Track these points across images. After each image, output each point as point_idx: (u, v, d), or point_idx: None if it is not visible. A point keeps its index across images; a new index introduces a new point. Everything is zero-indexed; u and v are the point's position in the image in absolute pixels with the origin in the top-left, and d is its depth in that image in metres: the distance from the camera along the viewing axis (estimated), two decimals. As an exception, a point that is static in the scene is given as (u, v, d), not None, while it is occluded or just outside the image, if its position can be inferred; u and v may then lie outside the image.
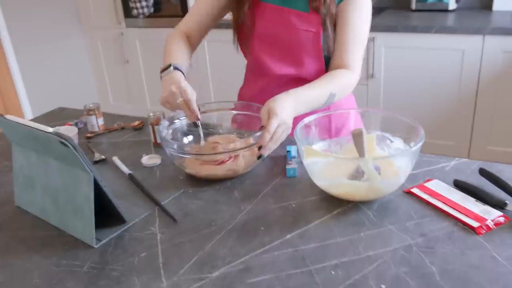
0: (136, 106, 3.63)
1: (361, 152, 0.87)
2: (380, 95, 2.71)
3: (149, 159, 1.21)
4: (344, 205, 0.95)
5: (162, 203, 1.01)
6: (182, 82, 1.11)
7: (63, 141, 0.82)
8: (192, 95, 1.10)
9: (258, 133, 1.03)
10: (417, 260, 0.79)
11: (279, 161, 1.16)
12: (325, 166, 0.96)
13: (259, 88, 1.32)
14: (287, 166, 1.08)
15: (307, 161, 0.95)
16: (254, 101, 1.26)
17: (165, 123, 1.17)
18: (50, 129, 0.85)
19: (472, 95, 2.48)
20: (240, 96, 1.43)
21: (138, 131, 1.42)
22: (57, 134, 0.83)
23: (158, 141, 1.28)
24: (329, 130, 1.30)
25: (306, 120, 1.03)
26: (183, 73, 1.16)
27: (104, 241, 0.90)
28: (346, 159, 0.92)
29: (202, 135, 1.15)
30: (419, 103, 2.63)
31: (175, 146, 1.06)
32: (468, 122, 2.55)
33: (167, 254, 0.85)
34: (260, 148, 1.01)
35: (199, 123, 1.12)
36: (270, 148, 1.02)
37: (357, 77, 1.23)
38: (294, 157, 1.11)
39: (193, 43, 1.32)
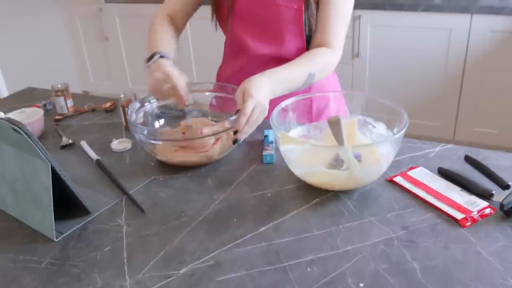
0: (116, 84, 3.52)
1: (339, 140, 0.81)
2: (365, 75, 2.65)
3: (119, 144, 1.14)
4: (323, 195, 0.90)
5: (130, 191, 0.94)
6: (167, 67, 1.03)
7: (15, 128, 0.74)
8: (179, 80, 1.02)
9: (234, 117, 0.96)
10: (398, 255, 0.74)
11: (256, 146, 1.09)
12: (303, 154, 0.89)
13: (238, 67, 1.24)
14: (264, 152, 1.01)
15: (283, 148, 0.88)
16: (232, 81, 1.19)
17: (135, 105, 1.09)
18: (2, 115, 0.77)
19: (458, 75, 2.43)
20: (219, 76, 1.35)
21: (109, 113, 1.34)
22: (8, 120, 0.75)
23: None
24: (309, 113, 1.24)
25: (283, 103, 0.97)
26: (170, 60, 1.09)
27: (65, 234, 0.83)
28: (324, 147, 0.86)
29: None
30: (405, 83, 2.58)
31: (145, 132, 0.99)
32: (454, 103, 2.50)
33: (132, 248, 0.79)
34: (235, 132, 0.94)
35: (188, 110, 1.05)
36: (246, 132, 0.95)
37: (338, 56, 1.16)
38: (271, 143, 1.05)
39: (178, 25, 1.23)
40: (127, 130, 1.22)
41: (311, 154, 0.89)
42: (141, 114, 1.10)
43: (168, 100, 1.12)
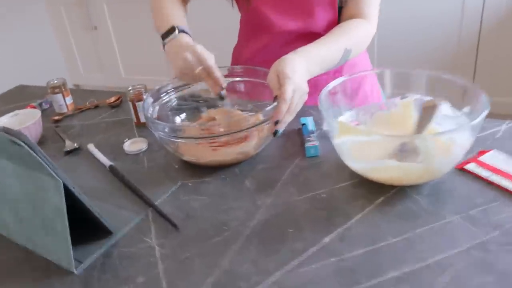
0: (109, 76, 3.32)
1: (421, 127, 0.66)
2: (373, 48, 2.48)
3: (133, 144, 0.97)
4: (386, 192, 0.75)
5: (156, 202, 0.78)
6: (197, 47, 0.87)
7: (15, 140, 0.58)
8: (211, 60, 0.88)
9: (270, 107, 0.80)
10: (503, 264, 0.59)
11: (293, 137, 0.94)
12: (359, 144, 0.74)
13: (260, 47, 1.08)
14: (307, 144, 0.86)
15: (339, 140, 0.73)
16: (253, 64, 1.03)
17: (149, 99, 0.92)
18: (-5, 123, 0.60)
19: (473, 43, 2.28)
20: (235, 58, 1.19)
21: (115, 109, 1.17)
22: (5, 130, 0.58)
23: (142, 120, 1.04)
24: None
25: (331, 85, 0.81)
26: (190, 36, 0.93)
27: (86, 263, 0.67)
28: (397, 137, 0.70)
29: (229, 107, 0.94)
30: (416, 55, 2.42)
31: (166, 129, 0.83)
32: (470, 72, 2.36)
33: (172, 277, 0.63)
34: (276, 122, 0.79)
35: (225, 93, 0.90)
36: (286, 121, 0.80)
37: (374, 28, 1.02)
38: (312, 132, 0.89)
39: None
40: (139, 127, 1.05)
41: (370, 145, 0.73)
42: (157, 108, 0.94)
43: (193, 85, 0.96)
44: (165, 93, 0.96)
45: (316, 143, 0.85)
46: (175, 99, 0.96)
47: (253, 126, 0.80)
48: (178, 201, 0.79)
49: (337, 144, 0.74)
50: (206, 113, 0.97)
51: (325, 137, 0.90)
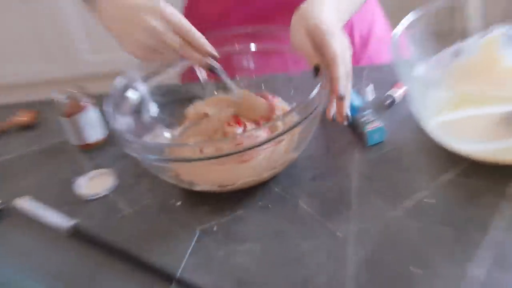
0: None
1: None
2: None
3: (93, 183, 0.71)
4: (506, 175, 0.59)
5: (178, 273, 0.55)
6: (160, 3, 0.62)
7: None
8: (186, 21, 0.63)
9: (314, 92, 0.60)
10: None
11: (329, 123, 0.74)
12: (464, 118, 0.57)
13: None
14: (368, 128, 0.67)
15: (451, 116, 0.55)
16: (228, 22, 0.86)
17: (109, 106, 0.66)
18: None
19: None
20: (193, 17, 0.95)
21: (32, 130, 0.88)
22: None
23: (91, 139, 0.77)
24: (352, 43, 0.96)
25: (396, 35, 0.63)
26: None
27: None
28: None
29: (229, 83, 0.69)
30: None
31: (163, 150, 0.59)
32: None
33: None
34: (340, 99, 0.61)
35: (216, 64, 0.65)
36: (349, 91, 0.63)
37: None
38: (367, 109, 0.70)
39: None
40: (87, 152, 0.78)
41: (487, 115, 0.56)
42: (121, 116, 0.68)
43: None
44: (133, 89, 0.70)
45: (381, 124, 0.67)
46: (150, 96, 0.72)
47: (297, 124, 0.59)
48: (211, 261, 0.56)
49: (445, 122, 0.56)
50: (192, 109, 0.75)
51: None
